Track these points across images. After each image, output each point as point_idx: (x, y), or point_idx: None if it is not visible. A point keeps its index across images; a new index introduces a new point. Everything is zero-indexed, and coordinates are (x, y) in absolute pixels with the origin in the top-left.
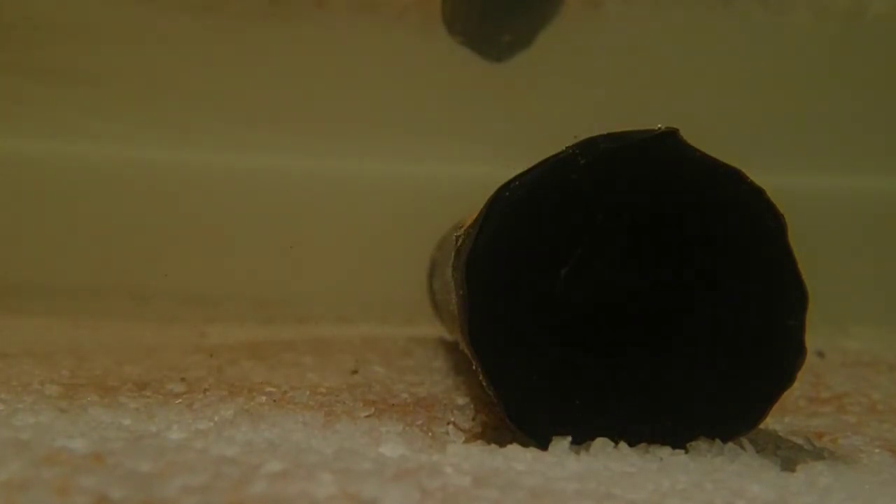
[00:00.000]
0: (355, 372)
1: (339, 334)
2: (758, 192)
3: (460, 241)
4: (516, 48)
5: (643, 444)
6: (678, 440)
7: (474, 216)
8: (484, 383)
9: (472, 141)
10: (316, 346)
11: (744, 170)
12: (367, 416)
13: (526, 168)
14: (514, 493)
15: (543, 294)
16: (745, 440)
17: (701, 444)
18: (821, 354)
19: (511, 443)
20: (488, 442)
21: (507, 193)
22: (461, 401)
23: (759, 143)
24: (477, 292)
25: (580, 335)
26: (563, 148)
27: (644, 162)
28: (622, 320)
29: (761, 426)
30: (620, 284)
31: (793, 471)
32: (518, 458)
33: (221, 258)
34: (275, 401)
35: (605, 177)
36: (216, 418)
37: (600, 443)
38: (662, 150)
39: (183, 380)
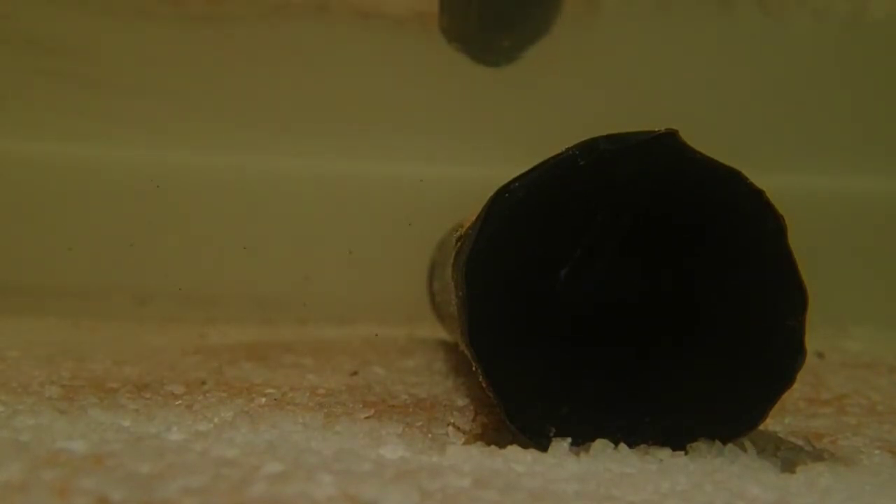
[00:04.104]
0: (355, 373)
1: (339, 335)
2: (757, 193)
3: (460, 241)
4: (514, 53)
5: (643, 446)
6: (678, 441)
7: (474, 217)
8: (484, 384)
9: (472, 142)
10: (316, 347)
11: (744, 170)
12: (366, 418)
13: (526, 169)
14: (513, 495)
15: (543, 295)
16: (745, 441)
17: (701, 446)
18: (821, 355)
19: (511, 444)
20: (488, 443)
21: (507, 194)
22: (461, 402)
23: (759, 144)
24: (477, 293)
25: (580, 336)
26: (563, 149)
27: (644, 163)
28: (622, 321)
29: (761, 427)
30: (620, 285)
31: (793, 472)
32: (518, 460)
33: (221, 258)
34: (275, 401)
35: (605, 178)
36: (216, 419)
37: (600, 444)
38: (662, 152)
39: (183, 381)
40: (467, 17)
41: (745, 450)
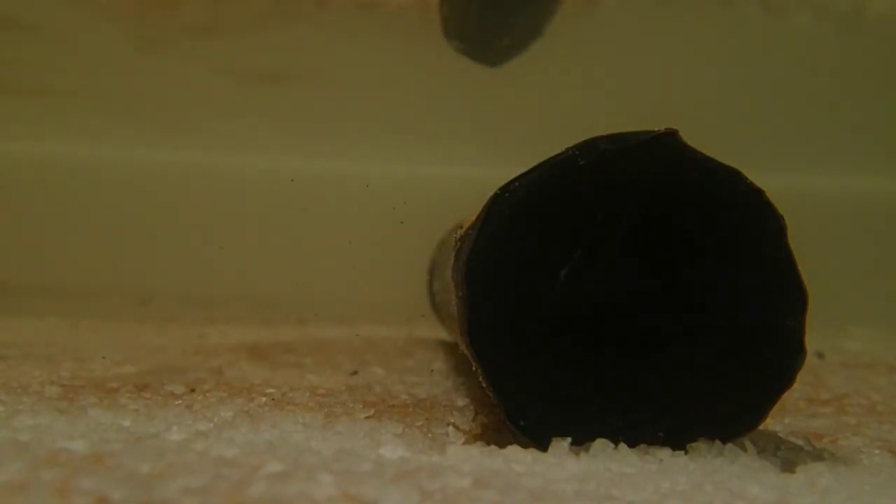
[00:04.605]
0: (355, 373)
1: (338, 335)
2: (758, 193)
3: (460, 241)
4: (515, 52)
5: (643, 446)
6: (678, 441)
7: (474, 217)
8: (484, 384)
9: (472, 141)
10: (316, 347)
11: (744, 170)
12: (366, 418)
13: (526, 169)
14: (513, 495)
15: (543, 295)
16: (745, 441)
17: (701, 446)
18: (820, 355)
19: (511, 444)
20: (488, 443)
21: (507, 194)
22: (461, 402)
23: (759, 143)
24: (477, 293)
25: (580, 336)
26: (563, 149)
27: (644, 163)
28: (622, 321)
29: (761, 427)
30: (620, 285)
31: (793, 472)
32: (518, 460)
33: (221, 258)
34: (274, 402)
35: (605, 178)
36: (216, 419)
37: (600, 444)
38: (662, 151)
39: (183, 381)
40: (467, 15)
41: (745, 450)
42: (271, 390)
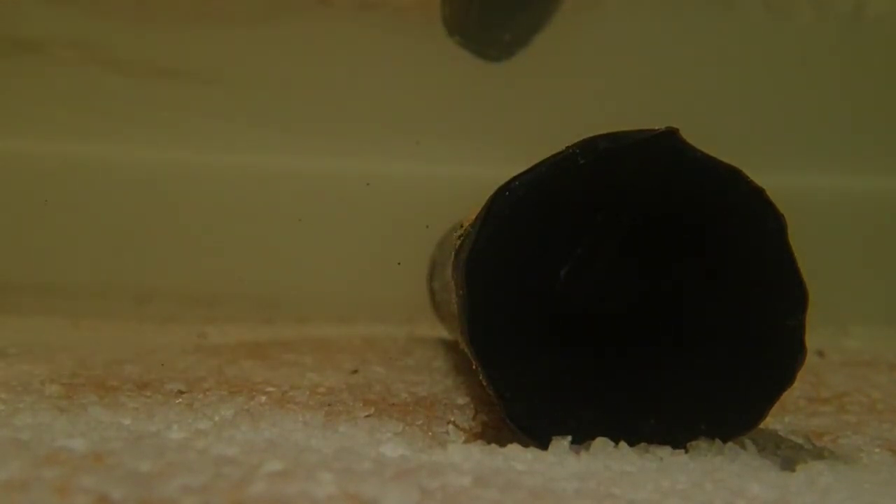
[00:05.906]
0: (355, 372)
1: (339, 334)
2: (758, 192)
3: (460, 241)
4: (515, 48)
5: (643, 444)
6: (678, 440)
7: (474, 216)
8: (484, 383)
9: (472, 141)
10: (316, 345)
11: (744, 170)
12: (367, 416)
13: (526, 168)
14: (514, 493)
15: (543, 294)
16: (745, 440)
17: (701, 444)
18: (821, 354)
19: (511, 443)
20: (488, 442)
21: (507, 193)
22: (461, 400)
23: (760, 143)
24: (477, 292)
25: (580, 335)
26: (563, 148)
27: (644, 162)
28: (622, 320)
29: (761, 426)
30: (620, 284)
31: (793, 470)
32: (518, 458)
33: (221, 258)
34: (275, 400)
35: (605, 177)
36: (216, 418)
37: (600, 443)
38: (662, 150)
39: (183, 379)
40: (468, 10)
41: (745, 448)
42: (271, 389)
